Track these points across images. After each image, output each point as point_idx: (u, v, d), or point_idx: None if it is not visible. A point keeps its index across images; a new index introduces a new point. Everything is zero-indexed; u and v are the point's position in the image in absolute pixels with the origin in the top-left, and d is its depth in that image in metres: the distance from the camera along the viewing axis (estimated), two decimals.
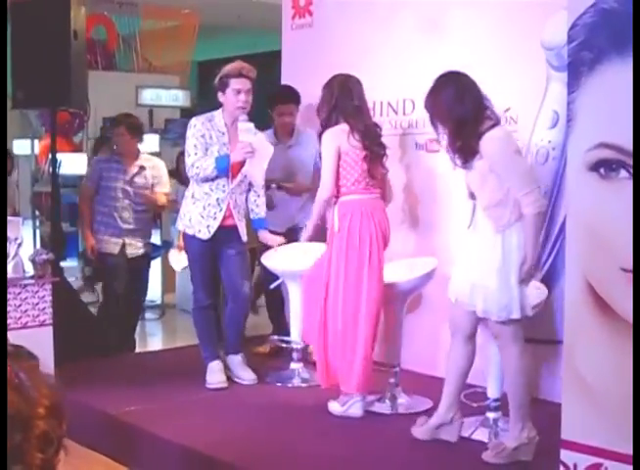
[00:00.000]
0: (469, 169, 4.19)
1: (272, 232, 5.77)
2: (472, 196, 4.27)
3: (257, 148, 5.25)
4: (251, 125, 5.27)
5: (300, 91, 6.05)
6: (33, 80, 6.05)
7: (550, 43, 4.93)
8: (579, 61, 3.51)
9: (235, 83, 5.28)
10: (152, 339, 8.53)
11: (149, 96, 11.76)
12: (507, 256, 4.10)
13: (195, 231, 5.37)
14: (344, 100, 4.96)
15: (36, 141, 10.65)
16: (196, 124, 5.37)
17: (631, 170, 3.33)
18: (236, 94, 5.27)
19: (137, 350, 7.34)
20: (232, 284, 5.47)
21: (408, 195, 5.79)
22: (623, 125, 3.35)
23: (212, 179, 5.28)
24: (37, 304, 5.05)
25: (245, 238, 5.45)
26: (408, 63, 5.81)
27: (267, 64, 6.82)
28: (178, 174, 9.87)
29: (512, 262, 4.10)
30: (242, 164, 5.28)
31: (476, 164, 4.14)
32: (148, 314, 9.30)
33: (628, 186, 3.34)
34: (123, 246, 6.65)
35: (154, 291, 9.51)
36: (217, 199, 5.31)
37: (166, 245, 9.79)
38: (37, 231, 9.61)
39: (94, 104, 9.72)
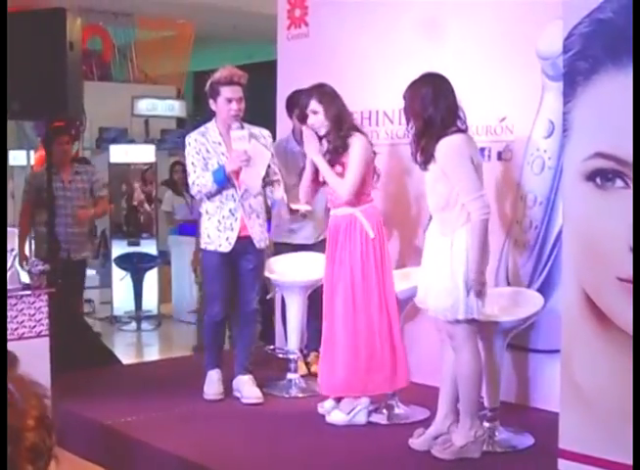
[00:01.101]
0: (426, 170, 4.31)
1: (303, 246, 5.84)
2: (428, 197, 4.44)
3: (253, 155, 5.17)
4: (245, 133, 5.19)
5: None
6: (29, 91, 6.04)
7: (545, 53, 4.94)
8: (575, 70, 3.52)
9: (226, 91, 5.20)
10: (148, 349, 8.51)
11: (144, 106, 11.78)
12: (454, 258, 4.20)
13: (216, 246, 5.30)
14: (344, 107, 5.00)
15: (32, 152, 10.66)
16: (190, 142, 5.31)
17: (627, 180, 3.34)
18: (227, 103, 5.19)
19: (134, 360, 7.34)
20: (242, 298, 5.42)
21: (403, 204, 5.79)
22: (619, 135, 3.36)
23: (216, 193, 5.23)
24: (34, 315, 5.03)
25: (260, 245, 5.34)
26: (404, 72, 5.79)
27: (263, 74, 6.84)
28: (172, 184, 9.90)
29: (459, 265, 4.19)
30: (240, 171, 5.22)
31: (431, 167, 4.26)
32: (144, 325, 9.29)
33: (624, 196, 3.35)
34: (69, 251, 6.85)
35: (150, 301, 9.53)
36: (230, 210, 5.25)
37: (162, 255, 9.80)
38: (33, 242, 9.58)
39: (90, 114, 9.78)
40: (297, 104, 5.77)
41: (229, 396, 5.42)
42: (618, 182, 3.36)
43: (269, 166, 5.29)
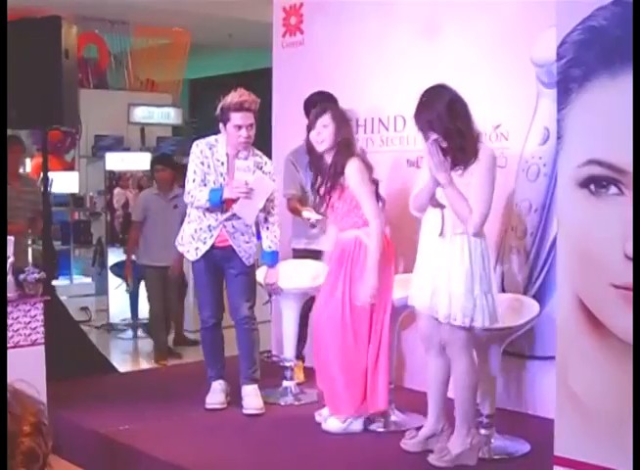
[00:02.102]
0: (455, 171, 4.21)
1: (320, 252, 5.83)
2: (439, 204, 4.32)
3: (254, 187, 5.09)
4: (250, 164, 5.11)
5: (292, 109, 6.05)
6: (25, 99, 6.06)
7: (540, 60, 4.96)
8: (569, 78, 3.53)
9: (236, 118, 5.09)
10: (144, 357, 8.49)
11: (140, 114, 11.78)
12: (473, 261, 4.20)
13: (184, 250, 5.35)
14: (352, 134, 5.12)
15: (28, 160, 10.66)
16: (195, 151, 5.25)
17: (621, 187, 3.34)
18: (237, 130, 5.10)
19: (129, 368, 7.34)
20: (231, 305, 5.39)
21: (399, 209, 5.79)
22: (613, 142, 3.37)
23: (207, 209, 5.21)
24: (29, 323, 5.03)
25: (249, 262, 5.31)
26: (399, 80, 5.83)
27: (258, 82, 6.84)
28: None
29: (477, 268, 4.20)
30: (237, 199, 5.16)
31: (469, 169, 4.22)
32: (140, 332, 9.27)
33: (618, 202, 3.36)
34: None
35: (146, 309, 9.50)
36: (209, 225, 5.23)
37: None
38: (29, 250, 9.58)
39: (86, 122, 9.78)
40: (315, 105, 5.69)
41: (231, 404, 5.41)
42: (612, 189, 3.37)
43: (269, 200, 5.22)
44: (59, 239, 9.90)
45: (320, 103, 5.40)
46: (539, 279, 5.10)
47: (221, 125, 5.20)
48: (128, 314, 9.35)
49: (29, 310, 5.04)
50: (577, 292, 3.54)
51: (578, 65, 3.47)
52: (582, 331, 3.52)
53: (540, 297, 4.94)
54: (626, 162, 3.30)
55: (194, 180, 5.22)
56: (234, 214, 5.19)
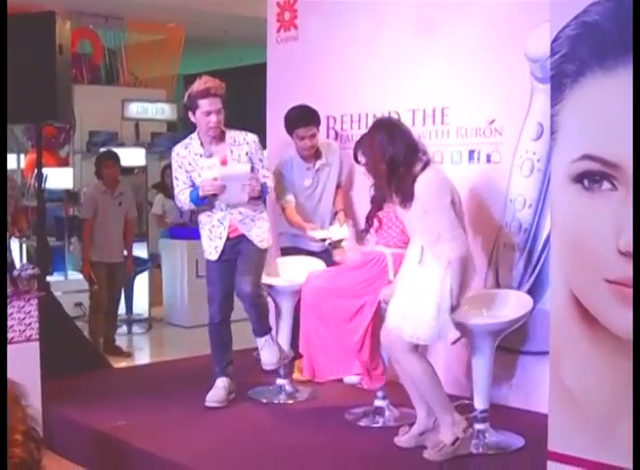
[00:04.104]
0: (407, 209, 4.36)
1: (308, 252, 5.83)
2: (414, 233, 4.46)
3: (231, 173, 5.13)
4: (215, 161, 5.15)
5: (287, 104, 6.04)
6: (19, 95, 6.04)
7: (534, 55, 4.96)
8: (562, 73, 3.53)
9: (204, 105, 5.15)
10: (139, 353, 8.50)
11: (135, 109, 11.75)
12: (443, 288, 4.29)
13: (207, 254, 5.38)
14: None
15: (22, 155, 10.64)
16: (173, 156, 5.35)
17: (614, 182, 3.35)
18: (206, 115, 5.16)
19: (125, 364, 7.35)
20: (236, 284, 5.33)
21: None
22: (607, 137, 3.37)
23: (198, 207, 5.29)
24: (23, 319, 5.02)
25: (262, 245, 5.33)
26: (392, 75, 5.83)
27: (253, 77, 6.84)
28: (164, 188, 9.88)
29: (445, 294, 4.30)
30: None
31: (413, 205, 4.31)
32: (135, 328, 9.28)
33: (611, 197, 3.36)
34: None
35: (141, 305, 9.51)
36: (218, 219, 5.28)
37: (153, 258, 9.79)
38: (24, 246, 9.56)
39: (80, 118, 9.76)
40: (295, 122, 5.78)
41: (231, 400, 5.42)
42: (605, 184, 3.37)
43: (254, 170, 5.24)
44: (53, 235, 9.87)
45: (304, 119, 5.71)
46: (533, 274, 5.10)
47: (190, 114, 5.26)
48: (123, 310, 9.35)
49: (24, 307, 5.03)
50: (571, 287, 3.54)
51: (572, 60, 3.47)
52: (576, 326, 3.52)
53: (534, 292, 4.95)
54: (620, 157, 3.31)
55: (177, 185, 5.33)
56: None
